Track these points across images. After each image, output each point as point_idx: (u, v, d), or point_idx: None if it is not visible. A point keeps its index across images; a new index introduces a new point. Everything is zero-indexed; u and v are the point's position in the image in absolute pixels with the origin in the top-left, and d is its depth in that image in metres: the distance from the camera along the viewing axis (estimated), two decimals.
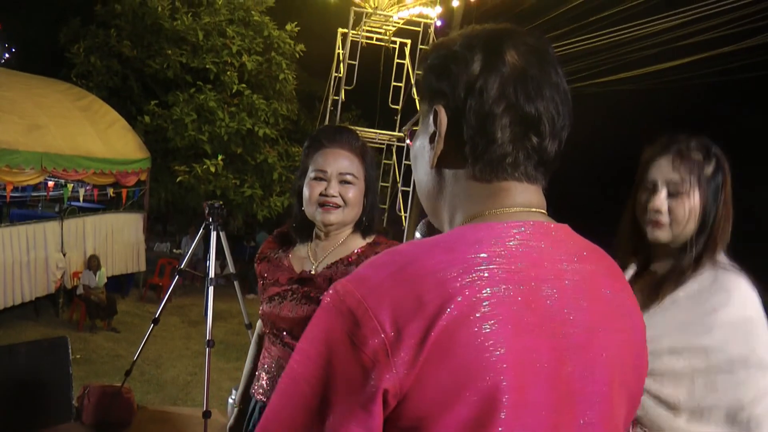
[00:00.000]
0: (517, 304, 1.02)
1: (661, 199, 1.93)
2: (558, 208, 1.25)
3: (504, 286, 1.02)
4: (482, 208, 1.13)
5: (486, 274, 1.01)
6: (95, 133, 11.80)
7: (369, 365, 0.96)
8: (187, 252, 4.51)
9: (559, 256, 1.10)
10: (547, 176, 1.18)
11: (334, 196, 2.34)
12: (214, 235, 4.29)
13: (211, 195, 14.15)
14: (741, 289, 1.85)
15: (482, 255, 1.03)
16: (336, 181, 2.35)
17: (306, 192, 2.39)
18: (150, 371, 8.52)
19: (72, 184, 12.23)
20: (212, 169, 14.16)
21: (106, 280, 10.92)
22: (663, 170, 1.94)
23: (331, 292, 1.02)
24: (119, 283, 12.59)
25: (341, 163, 2.36)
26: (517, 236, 1.08)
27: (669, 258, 1.98)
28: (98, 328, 10.37)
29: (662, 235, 1.94)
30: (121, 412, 4.20)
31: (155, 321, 4.17)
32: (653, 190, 1.96)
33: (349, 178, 2.36)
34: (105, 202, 14.17)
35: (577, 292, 1.10)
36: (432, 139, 1.17)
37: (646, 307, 1.88)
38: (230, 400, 4.02)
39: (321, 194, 2.34)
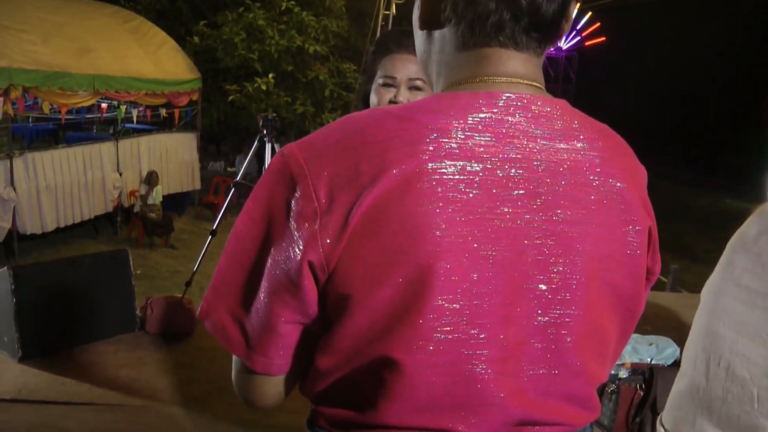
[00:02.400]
0: (467, 183, 0.92)
1: None
2: None
3: (453, 163, 0.92)
4: (460, 77, 1.02)
5: (432, 148, 0.92)
6: (145, 55, 11.81)
7: (299, 234, 0.92)
8: (241, 165, 4.50)
9: (536, 135, 0.97)
10: (544, 44, 1.03)
11: (403, 102, 2.27)
12: (269, 147, 4.27)
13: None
14: None
15: (435, 126, 0.94)
16: (405, 87, 2.27)
17: (374, 98, 2.33)
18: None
19: (125, 106, 12.36)
20: (263, 88, 14.11)
21: (162, 198, 11.06)
22: None
23: (278, 154, 0.98)
24: (175, 202, 12.77)
25: (410, 68, 2.26)
26: (484, 108, 0.96)
27: None
28: (156, 246, 10.58)
29: None
30: (184, 322, 4.26)
31: (213, 233, 4.20)
32: None
33: (418, 83, 2.27)
34: (158, 123, 14.32)
35: (551, 176, 0.97)
36: None
37: None
38: None
39: (390, 101, 2.27)
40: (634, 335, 3.24)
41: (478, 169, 0.93)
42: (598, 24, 35.60)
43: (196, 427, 3.27)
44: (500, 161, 0.95)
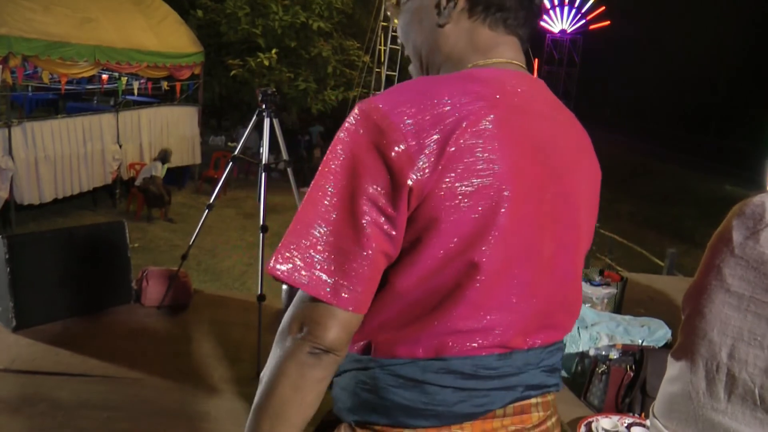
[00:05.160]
0: (516, 131, 1.16)
1: None
2: None
3: (505, 115, 1.15)
4: (483, 58, 1.30)
5: (491, 104, 1.15)
6: (148, 27, 11.75)
7: (395, 167, 1.08)
8: (241, 139, 4.48)
9: (543, 102, 1.27)
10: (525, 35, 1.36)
11: None
12: (267, 122, 4.24)
13: None
14: None
15: (488, 89, 1.17)
16: None
17: None
18: (206, 261, 8.70)
19: (126, 78, 12.29)
20: (266, 63, 14.06)
21: (164, 173, 11.08)
22: None
23: (356, 111, 1.13)
24: (175, 176, 12.75)
25: None
26: (512, 81, 1.23)
27: None
28: (155, 218, 10.58)
29: None
30: (179, 294, 4.27)
31: (209, 207, 4.18)
32: None
33: None
34: (159, 96, 14.25)
35: (558, 131, 1.26)
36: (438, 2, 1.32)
37: None
38: (284, 287, 4.07)
39: None
40: (627, 317, 3.25)
41: (521, 121, 1.19)
42: (603, 8, 35.42)
43: (191, 400, 3.28)
44: (531, 117, 1.21)
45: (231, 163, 4.34)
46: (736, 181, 22.40)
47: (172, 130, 12.56)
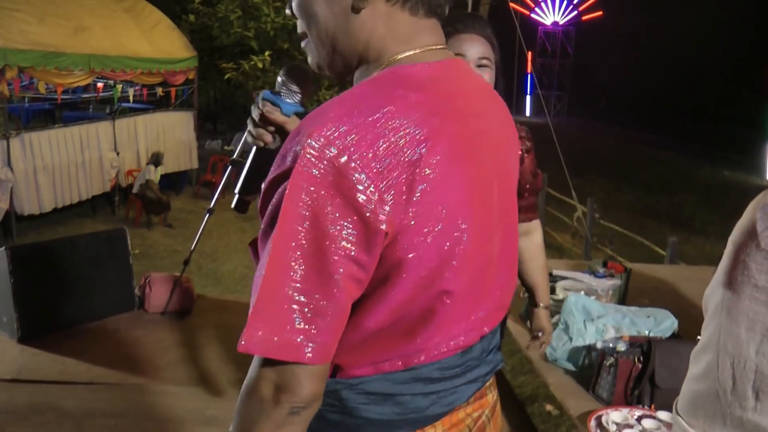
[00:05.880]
0: (462, 147, 1.12)
1: None
2: None
3: (452, 133, 1.10)
4: (406, 48, 1.19)
5: (438, 124, 1.08)
6: (141, 34, 11.74)
7: (365, 209, 1.01)
8: (238, 143, 4.48)
9: (470, 84, 1.25)
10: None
11: None
12: None
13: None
14: None
15: (427, 97, 1.11)
16: (474, 65, 2.36)
17: None
18: (207, 265, 8.69)
19: (121, 85, 12.30)
20: (259, 66, 14.03)
21: (159, 177, 11.06)
22: None
23: (308, 147, 1.01)
24: (173, 181, 12.74)
25: (477, 48, 2.37)
26: (445, 74, 1.19)
27: None
28: (154, 224, 10.57)
29: None
30: (183, 299, 4.27)
31: (210, 211, 4.19)
32: None
33: (485, 62, 2.38)
34: (155, 102, 14.25)
35: (490, 118, 1.25)
36: None
37: None
38: None
39: None
40: (633, 308, 3.24)
41: (464, 129, 1.15)
42: None
43: (198, 405, 3.28)
44: (469, 116, 1.18)
45: (230, 167, 4.34)
46: (735, 166, 22.43)
47: (169, 136, 12.54)
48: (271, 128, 1.53)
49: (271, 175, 1.06)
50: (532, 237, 2.76)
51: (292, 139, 1.05)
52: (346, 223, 1.01)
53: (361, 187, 1.00)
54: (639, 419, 2.54)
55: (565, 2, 36.71)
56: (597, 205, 9.57)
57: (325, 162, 1.00)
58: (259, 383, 1.07)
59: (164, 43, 12.22)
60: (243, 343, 1.03)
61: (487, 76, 2.40)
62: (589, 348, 2.96)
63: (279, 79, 1.58)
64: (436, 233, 1.08)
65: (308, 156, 1.00)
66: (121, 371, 3.51)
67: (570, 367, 3.04)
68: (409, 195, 1.03)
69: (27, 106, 15.23)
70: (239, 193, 1.53)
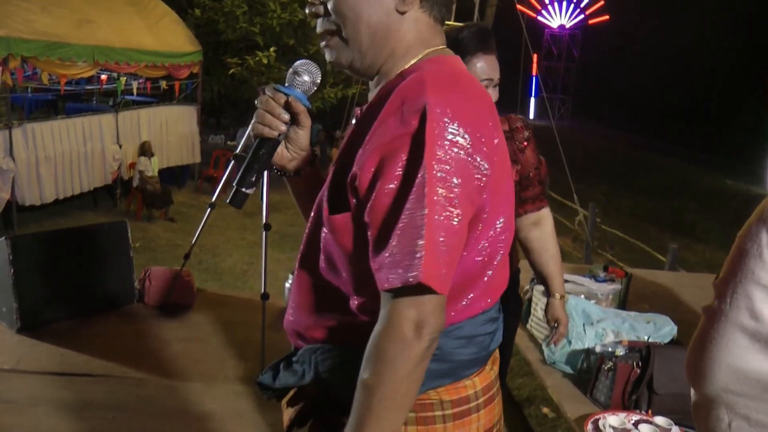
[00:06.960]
0: (494, 114, 1.36)
1: None
2: None
3: (487, 104, 1.35)
4: (428, 46, 1.40)
5: (487, 97, 1.36)
6: (146, 27, 11.74)
7: (490, 158, 1.29)
8: (242, 139, 4.48)
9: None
10: None
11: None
12: None
13: None
14: None
15: (469, 81, 1.36)
16: (493, 84, 2.43)
17: None
18: (207, 260, 8.69)
19: (125, 78, 12.29)
20: (264, 61, 14.04)
21: (158, 170, 11.05)
22: None
23: (443, 118, 1.21)
24: (175, 175, 12.75)
25: (497, 68, 2.43)
26: (462, 65, 1.45)
27: None
28: (155, 218, 10.57)
29: None
30: (183, 294, 4.26)
31: (212, 206, 4.18)
32: None
33: (497, 80, 2.44)
34: (158, 95, 14.25)
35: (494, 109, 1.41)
36: None
37: None
38: (287, 285, 4.07)
39: None
40: (632, 313, 3.25)
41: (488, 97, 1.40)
42: (602, 2, 35.39)
43: (197, 399, 3.28)
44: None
45: (232, 162, 4.33)
46: (736, 174, 22.42)
47: (172, 129, 12.54)
48: (286, 117, 1.53)
49: (391, 136, 1.23)
50: (543, 226, 2.77)
51: (402, 105, 1.25)
52: (479, 172, 1.25)
53: (489, 140, 1.28)
54: (636, 424, 2.54)
55: (572, 5, 36.71)
56: (598, 210, 9.58)
57: (466, 126, 1.23)
58: (400, 323, 1.18)
59: (169, 37, 12.22)
60: (423, 276, 1.15)
61: (496, 96, 2.44)
62: (588, 352, 2.96)
63: (293, 72, 1.59)
64: (502, 184, 1.34)
65: (447, 123, 1.21)
66: (120, 364, 3.50)
67: (568, 370, 3.05)
68: (495, 152, 1.30)
69: (30, 96, 15.22)
70: (237, 185, 1.53)
